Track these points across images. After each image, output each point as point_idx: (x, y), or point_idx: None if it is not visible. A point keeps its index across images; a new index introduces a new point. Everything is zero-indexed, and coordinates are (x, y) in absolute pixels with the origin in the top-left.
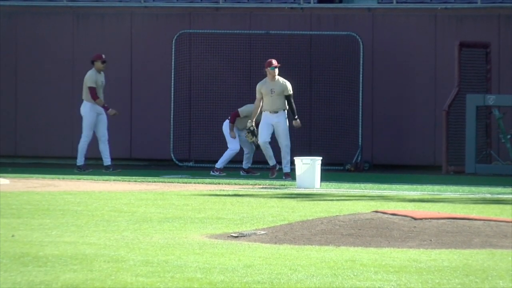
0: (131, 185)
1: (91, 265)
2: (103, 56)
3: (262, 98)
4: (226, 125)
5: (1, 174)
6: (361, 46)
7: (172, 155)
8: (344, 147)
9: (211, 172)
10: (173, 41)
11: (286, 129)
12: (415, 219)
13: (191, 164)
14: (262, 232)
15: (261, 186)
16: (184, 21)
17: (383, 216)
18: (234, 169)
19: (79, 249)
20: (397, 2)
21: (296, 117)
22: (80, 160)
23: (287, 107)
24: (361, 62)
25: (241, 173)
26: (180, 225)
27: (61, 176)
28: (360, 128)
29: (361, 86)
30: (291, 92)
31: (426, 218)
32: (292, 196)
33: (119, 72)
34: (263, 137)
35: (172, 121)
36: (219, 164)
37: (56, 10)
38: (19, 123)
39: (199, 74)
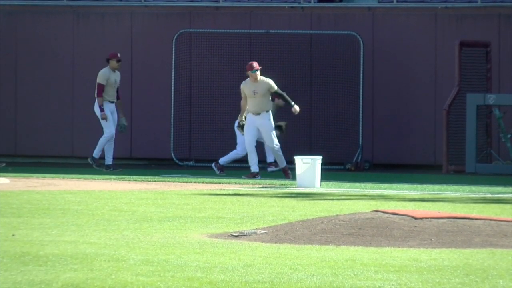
0: (131, 185)
1: (92, 264)
2: (119, 55)
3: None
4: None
5: (1, 174)
6: (362, 45)
7: (172, 154)
8: (344, 147)
9: (213, 165)
10: (173, 41)
11: (270, 130)
12: (415, 218)
13: (191, 163)
14: (263, 231)
15: (261, 186)
16: (184, 20)
17: (384, 215)
18: (235, 169)
19: (79, 248)
20: (397, 1)
21: (293, 103)
22: (97, 153)
23: (272, 107)
24: (361, 61)
25: (269, 169)
26: (181, 224)
27: (61, 176)
28: (360, 128)
29: (361, 85)
30: (275, 87)
31: (426, 218)
32: (293, 195)
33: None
34: (247, 140)
35: (172, 120)
36: (222, 160)
37: (56, 9)
38: (19, 122)
39: (199, 73)
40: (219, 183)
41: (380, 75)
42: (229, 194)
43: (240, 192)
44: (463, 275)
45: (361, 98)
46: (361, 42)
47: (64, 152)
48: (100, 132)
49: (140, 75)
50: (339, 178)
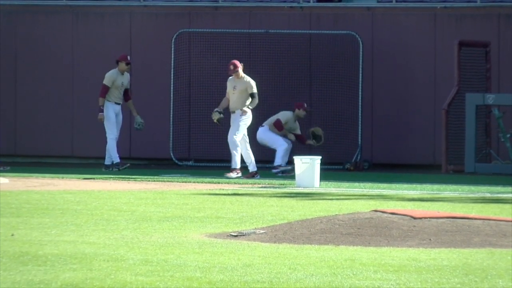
0: (130, 184)
1: (91, 264)
2: (129, 57)
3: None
4: (263, 132)
5: (1, 174)
6: (361, 45)
7: (171, 154)
8: (343, 146)
9: (273, 171)
10: (173, 40)
11: (236, 126)
12: (414, 218)
13: (190, 163)
14: (262, 231)
15: (260, 185)
16: (183, 20)
17: (383, 215)
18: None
19: (78, 248)
20: (396, 1)
21: (250, 107)
22: (115, 158)
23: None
24: (360, 61)
25: (273, 171)
26: (180, 224)
27: (60, 175)
28: (359, 127)
29: (360, 85)
30: (254, 90)
31: (425, 217)
32: (292, 195)
33: None
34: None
35: (171, 120)
36: (278, 161)
37: (56, 9)
38: (18, 122)
39: (199, 73)
40: (218, 183)
41: (380, 75)
42: (228, 194)
43: (239, 192)
44: (462, 275)
45: (360, 98)
46: (360, 42)
47: (64, 152)
48: (100, 131)
49: (139, 75)
50: (338, 178)
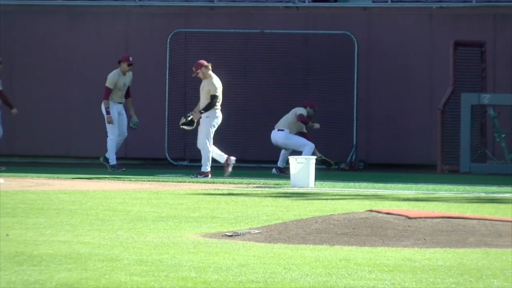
0: (125, 184)
1: (86, 264)
2: (131, 58)
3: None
4: (285, 137)
5: None
6: (356, 45)
7: (166, 154)
8: (339, 146)
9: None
10: (168, 40)
11: (202, 130)
12: (409, 218)
13: (185, 163)
14: (257, 231)
15: (255, 185)
16: (179, 20)
17: (378, 215)
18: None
19: (73, 248)
20: (392, 1)
21: (200, 111)
22: (112, 159)
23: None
24: (355, 61)
25: (274, 171)
26: (175, 224)
27: (56, 175)
28: (355, 127)
29: (355, 85)
30: (213, 93)
31: (420, 217)
32: (287, 195)
33: None
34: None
35: (167, 120)
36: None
37: (52, 9)
38: (15, 122)
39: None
40: (213, 183)
41: (375, 75)
42: (223, 194)
43: (234, 192)
44: (457, 275)
45: (355, 98)
46: (356, 42)
47: (60, 152)
48: (96, 131)
49: (135, 75)
50: (333, 177)
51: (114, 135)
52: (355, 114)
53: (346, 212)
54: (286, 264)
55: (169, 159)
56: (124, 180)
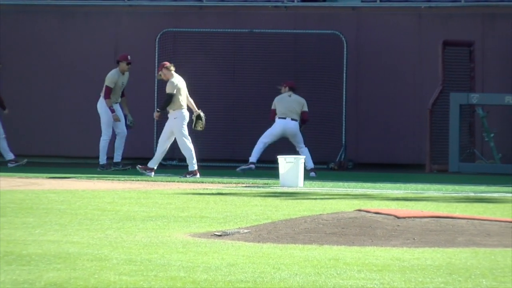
0: (114, 184)
1: (75, 263)
2: (129, 57)
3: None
4: (295, 125)
5: None
6: (345, 44)
7: None
8: (328, 146)
9: (311, 174)
10: (156, 40)
11: (178, 132)
12: (398, 217)
13: (174, 162)
14: (246, 230)
15: (244, 185)
16: (169, 19)
17: (367, 214)
18: (218, 168)
19: (62, 248)
20: (381, 1)
21: (157, 109)
22: (102, 159)
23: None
24: (344, 60)
25: (312, 174)
26: (164, 223)
27: (44, 175)
28: (343, 127)
29: (344, 84)
30: (167, 91)
31: (409, 217)
32: (276, 194)
33: (103, 71)
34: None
35: (155, 120)
36: (311, 164)
37: (41, 8)
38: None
39: (183, 73)
40: (202, 182)
41: (364, 75)
42: (212, 194)
43: (223, 192)
44: (446, 274)
45: (344, 97)
46: (345, 42)
47: (48, 151)
48: (86, 131)
49: None
50: (322, 177)
51: (107, 136)
52: (344, 114)
53: (335, 211)
54: (275, 264)
55: None
56: (113, 179)
